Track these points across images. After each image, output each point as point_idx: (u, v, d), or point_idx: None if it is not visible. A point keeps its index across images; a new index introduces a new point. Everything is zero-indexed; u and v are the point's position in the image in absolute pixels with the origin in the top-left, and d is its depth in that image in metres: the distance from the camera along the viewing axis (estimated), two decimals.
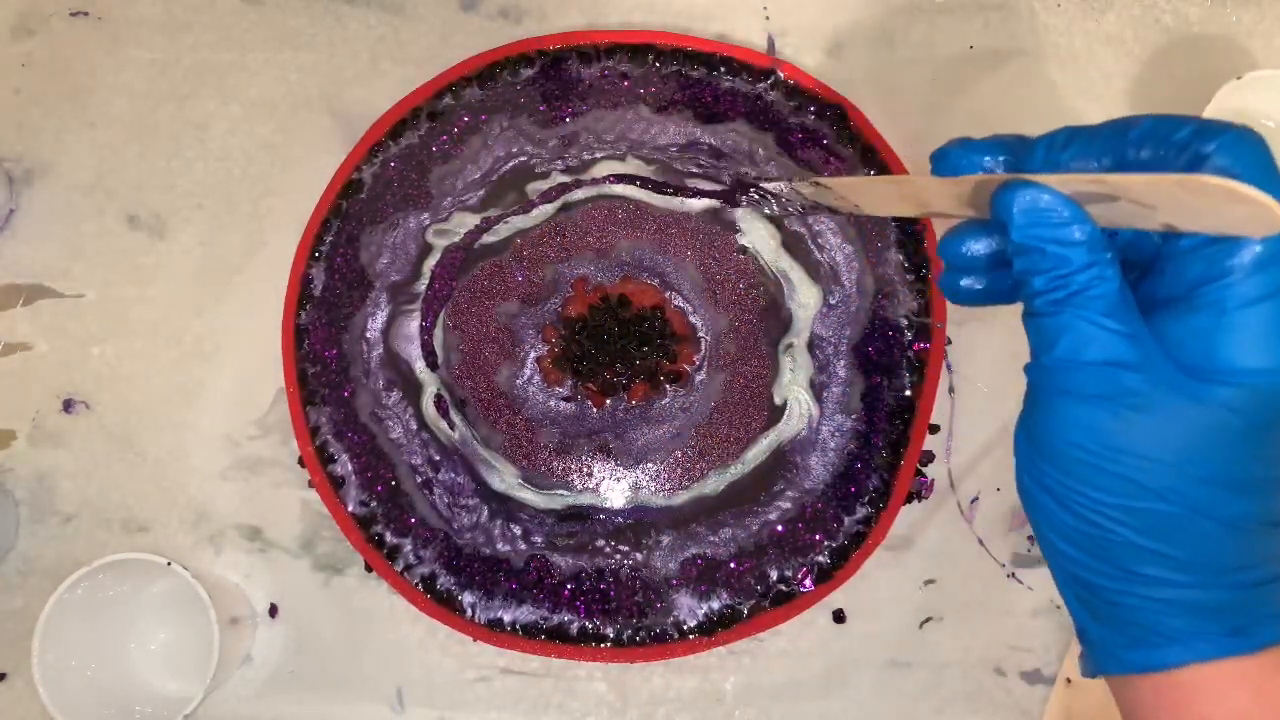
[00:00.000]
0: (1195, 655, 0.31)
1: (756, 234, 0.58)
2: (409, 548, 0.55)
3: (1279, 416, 0.30)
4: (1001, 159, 0.34)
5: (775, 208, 0.49)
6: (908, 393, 0.56)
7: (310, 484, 0.56)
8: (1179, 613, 0.31)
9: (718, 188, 0.58)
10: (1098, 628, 0.34)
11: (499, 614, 0.55)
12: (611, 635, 0.55)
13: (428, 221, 0.58)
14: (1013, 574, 0.56)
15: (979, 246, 0.36)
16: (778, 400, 0.57)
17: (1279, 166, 0.29)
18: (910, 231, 0.57)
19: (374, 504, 0.56)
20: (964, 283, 0.37)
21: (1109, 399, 0.31)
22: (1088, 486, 0.31)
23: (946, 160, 0.36)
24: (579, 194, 0.58)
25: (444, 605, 0.55)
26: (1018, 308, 0.60)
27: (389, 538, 0.55)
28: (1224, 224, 0.29)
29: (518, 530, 0.56)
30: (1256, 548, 0.31)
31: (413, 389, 0.57)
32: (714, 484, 0.56)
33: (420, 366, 0.57)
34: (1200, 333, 0.30)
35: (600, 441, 0.57)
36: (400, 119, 0.58)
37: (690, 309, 0.58)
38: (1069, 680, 0.54)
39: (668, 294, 0.58)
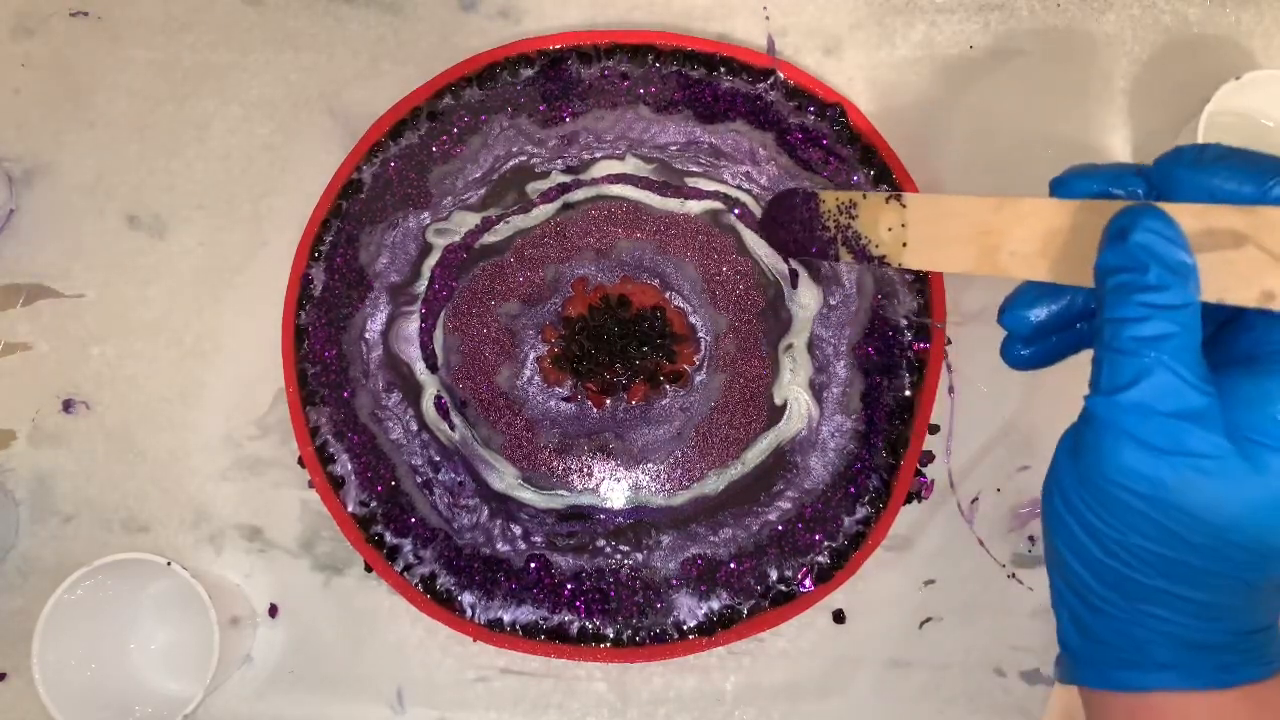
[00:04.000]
0: (1183, 684, 0.31)
1: (756, 238, 0.58)
2: (409, 548, 0.55)
3: None
4: (1132, 189, 0.33)
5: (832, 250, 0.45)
6: (908, 393, 0.56)
7: (310, 484, 0.56)
8: (1175, 646, 0.31)
9: (718, 188, 0.58)
10: (1085, 643, 0.34)
11: (499, 614, 0.55)
12: (611, 635, 0.55)
13: (428, 221, 0.58)
14: (1013, 574, 0.56)
15: (1043, 311, 0.35)
16: (778, 400, 0.57)
17: None
18: None
19: (374, 504, 0.56)
20: (1025, 352, 0.36)
21: (1175, 455, 0.30)
22: (1128, 529, 0.31)
23: (1067, 187, 0.34)
24: (579, 194, 0.58)
25: (444, 605, 0.55)
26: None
27: (389, 538, 0.55)
28: None
29: (518, 530, 0.56)
30: (1264, 602, 0.31)
31: (413, 390, 0.57)
32: (714, 484, 0.56)
33: (420, 368, 0.57)
34: (1266, 399, 0.29)
35: (600, 441, 0.57)
36: (400, 119, 0.58)
37: (690, 309, 0.58)
38: None
39: (668, 294, 0.58)
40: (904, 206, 0.40)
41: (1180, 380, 0.29)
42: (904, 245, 0.39)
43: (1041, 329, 0.36)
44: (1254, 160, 0.30)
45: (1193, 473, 0.29)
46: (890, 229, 0.40)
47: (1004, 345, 0.37)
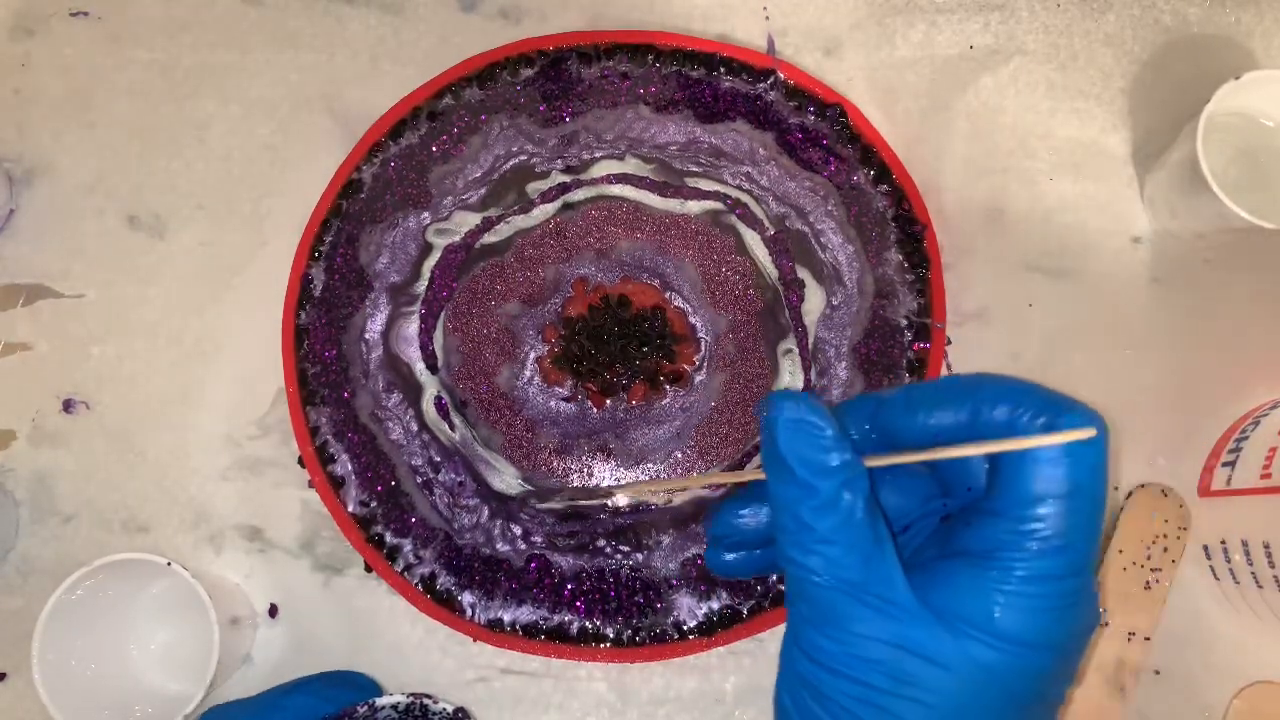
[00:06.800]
0: None
1: (756, 239, 0.58)
2: (409, 548, 0.55)
3: (1031, 691, 0.30)
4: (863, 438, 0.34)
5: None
6: None
7: (310, 484, 0.56)
8: None
9: (718, 188, 0.58)
10: None
11: (499, 614, 0.55)
12: (611, 635, 0.55)
13: (428, 221, 0.58)
14: None
15: (750, 518, 0.35)
16: None
17: (1106, 462, 0.30)
18: (910, 232, 0.57)
19: (374, 504, 0.56)
20: (728, 558, 0.36)
21: (866, 679, 0.30)
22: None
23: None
24: (579, 194, 0.58)
25: (444, 605, 0.55)
26: (1017, 309, 0.60)
27: (389, 538, 0.55)
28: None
29: (518, 530, 0.56)
30: None
31: (413, 391, 0.57)
32: None
33: (420, 368, 0.57)
34: (983, 591, 0.30)
35: (600, 442, 0.57)
36: (400, 119, 0.58)
37: (690, 309, 0.58)
38: None
39: (668, 294, 0.58)
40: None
41: (847, 597, 0.30)
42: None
43: (748, 538, 0.36)
44: (962, 389, 0.31)
45: (894, 683, 0.30)
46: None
47: (708, 551, 0.37)
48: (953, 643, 0.29)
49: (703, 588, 0.55)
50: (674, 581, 0.55)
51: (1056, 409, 0.29)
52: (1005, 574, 0.29)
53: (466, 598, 0.55)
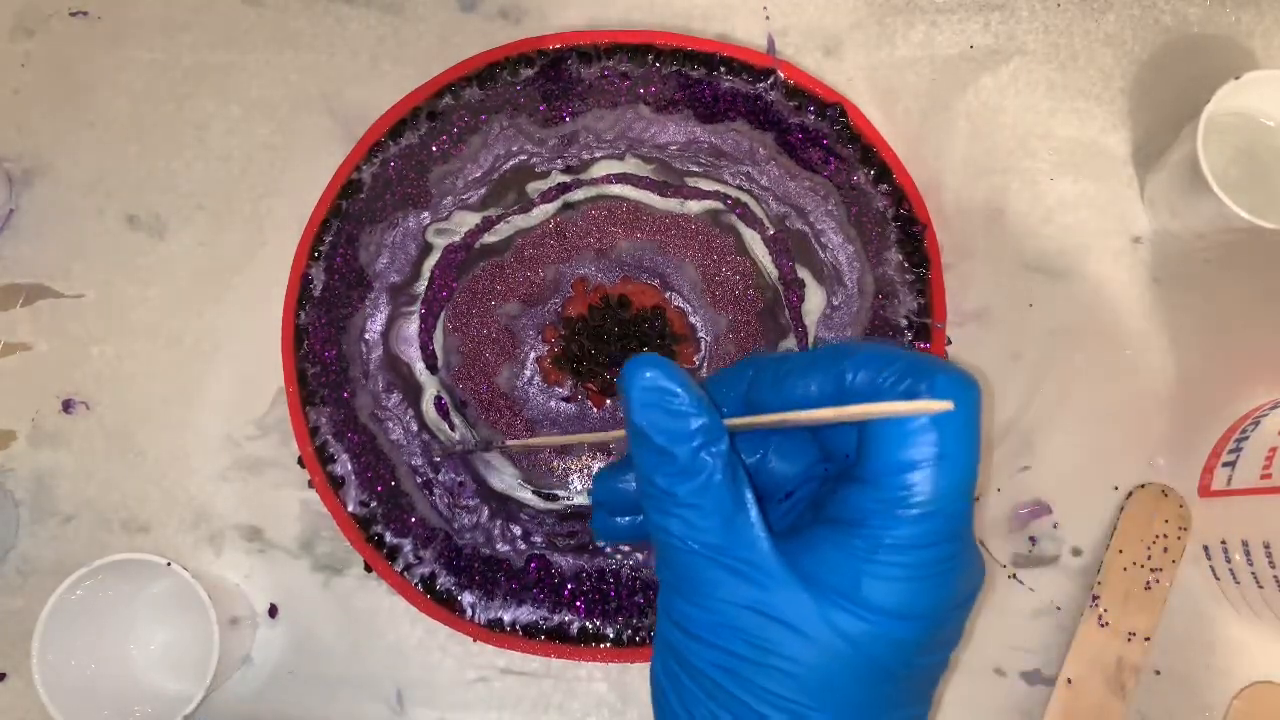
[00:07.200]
0: None
1: (756, 239, 0.58)
2: (409, 548, 0.55)
3: (901, 660, 0.29)
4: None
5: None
6: None
7: (310, 484, 0.56)
8: None
9: (718, 188, 0.58)
10: None
11: (499, 614, 0.55)
12: (611, 635, 0.55)
13: (428, 220, 0.58)
14: (1013, 574, 0.56)
15: (631, 482, 0.35)
16: None
17: (978, 418, 0.29)
18: (910, 232, 0.57)
19: (374, 504, 0.56)
20: (615, 522, 0.36)
21: (727, 647, 0.29)
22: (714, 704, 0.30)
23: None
24: (579, 194, 0.58)
25: (444, 605, 0.55)
26: (1017, 309, 0.61)
27: (389, 538, 0.55)
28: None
29: (518, 530, 0.56)
30: None
31: (413, 391, 0.57)
32: None
33: (420, 368, 0.57)
34: (850, 560, 0.29)
35: (600, 441, 0.57)
36: (400, 119, 0.58)
37: (690, 309, 0.58)
38: (1069, 680, 0.54)
39: (668, 294, 0.58)
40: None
41: (709, 562, 0.30)
42: None
43: (632, 501, 0.36)
44: (831, 358, 0.30)
45: (756, 650, 0.29)
46: None
47: (595, 516, 0.37)
48: (815, 611, 0.29)
49: None
50: None
51: (919, 374, 0.28)
52: (873, 543, 0.29)
53: (466, 598, 0.55)
